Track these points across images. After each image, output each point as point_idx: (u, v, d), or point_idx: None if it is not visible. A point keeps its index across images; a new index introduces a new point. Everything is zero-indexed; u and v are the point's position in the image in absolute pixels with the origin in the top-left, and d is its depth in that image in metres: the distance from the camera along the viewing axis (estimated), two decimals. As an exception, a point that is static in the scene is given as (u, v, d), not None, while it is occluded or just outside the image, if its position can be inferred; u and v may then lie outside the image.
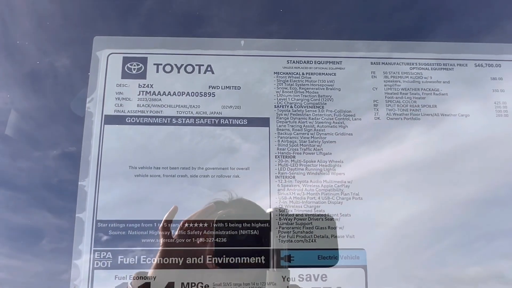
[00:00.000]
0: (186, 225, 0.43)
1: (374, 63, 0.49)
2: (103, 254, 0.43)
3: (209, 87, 0.48)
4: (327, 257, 0.44)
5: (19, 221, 0.44)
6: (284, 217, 0.44)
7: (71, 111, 0.46)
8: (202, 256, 0.43)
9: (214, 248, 0.42)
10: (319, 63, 0.49)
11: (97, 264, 0.42)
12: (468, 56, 0.50)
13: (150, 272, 0.42)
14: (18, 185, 0.44)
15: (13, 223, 0.44)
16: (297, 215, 0.45)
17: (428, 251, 0.45)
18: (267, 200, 0.45)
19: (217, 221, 0.43)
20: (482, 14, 0.52)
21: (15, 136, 0.45)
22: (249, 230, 0.44)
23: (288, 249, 0.43)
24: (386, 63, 0.49)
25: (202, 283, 0.42)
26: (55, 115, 0.46)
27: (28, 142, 0.46)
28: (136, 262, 0.42)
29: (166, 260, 0.42)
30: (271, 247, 0.43)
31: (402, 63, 0.49)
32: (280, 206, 0.44)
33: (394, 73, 0.49)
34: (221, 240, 0.43)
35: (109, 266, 0.42)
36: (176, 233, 0.43)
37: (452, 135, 0.48)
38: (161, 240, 0.43)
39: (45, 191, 0.44)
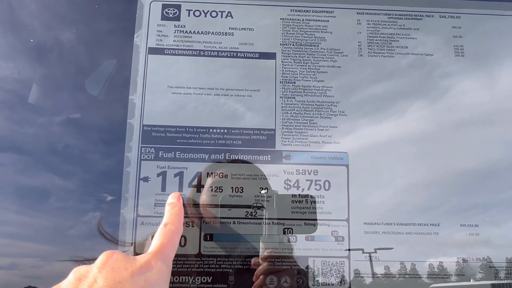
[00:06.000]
0: None
1: (359, 13, 0.62)
2: (148, 149, 0.56)
3: (229, 28, 0.60)
4: (318, 157, 0.57)
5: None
6: (286, 127, 0.58)
7: (122, 44, 0.59)
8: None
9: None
10: (316, 12, 0.62)
11: (143, 156, 0.55)
12: (434, 9, 0.63)
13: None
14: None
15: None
16: (296, 125, 0.58)
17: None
18: (273, 114, 0.58)
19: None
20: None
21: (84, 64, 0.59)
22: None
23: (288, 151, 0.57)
24: (369, 13, 0.62)
25: (222, 173, 0.56)
26: (110, 47, 0.59)
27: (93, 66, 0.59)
28: (172, 156, 0.56)
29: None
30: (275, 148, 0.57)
31: (382, 13, 0.62)
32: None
33: (375, 21, 0.62)
34: None
35: (152, 158, 0.55)
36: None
37: (416, 68, 0.61)
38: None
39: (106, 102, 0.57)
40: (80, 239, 0.54)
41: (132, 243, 0.53)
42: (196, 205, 0.54)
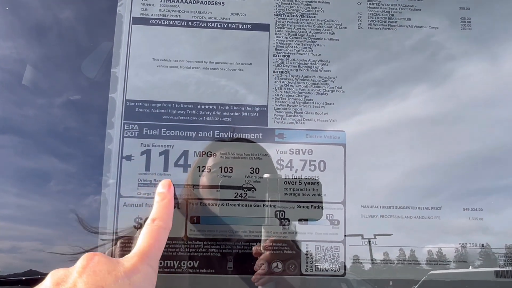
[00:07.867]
0: None
1: (360, -19, 0.58)
2: (131, 126, 0.52)
3: (220, -3, 0.56)
4: (313, 136, 0.54)
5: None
6: (280, 103, 0.54)
7: (103, 13, 0.55)
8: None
9: None
10: (313, -19, 0.58)
11: (126, 133, 0.52)
12: (440, -21, 0.59)
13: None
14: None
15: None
16: (290, 102, 0.54)
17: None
18: (265, 90, 0.54)
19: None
20: None
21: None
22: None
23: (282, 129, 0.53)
24: (370, -18, 0.58)
25: (210, 152, 0.52)
26: (92, 16, 0.55)
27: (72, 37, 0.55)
28: (157, 133, 0.52)
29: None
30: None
31: (384, -18, 0.58)
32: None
33: (376, -10, 0.58)
34: None
35: (136, 135, 0.52)
36: None
37: (420, 42, 0.57)
38: None
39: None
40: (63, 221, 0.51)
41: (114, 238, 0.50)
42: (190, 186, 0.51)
